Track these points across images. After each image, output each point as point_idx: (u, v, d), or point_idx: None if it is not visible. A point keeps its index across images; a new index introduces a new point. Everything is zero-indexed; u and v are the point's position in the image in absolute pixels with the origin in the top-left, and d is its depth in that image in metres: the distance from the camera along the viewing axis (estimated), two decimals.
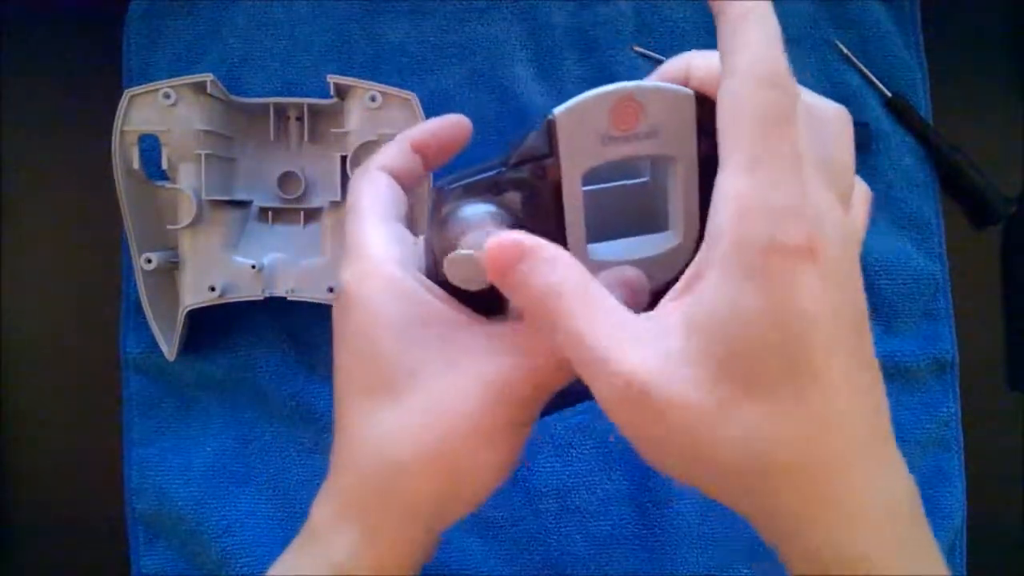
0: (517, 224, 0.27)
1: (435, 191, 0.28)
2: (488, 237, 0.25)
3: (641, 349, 0.23)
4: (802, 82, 0.50)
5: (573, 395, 0.29)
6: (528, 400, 0.27)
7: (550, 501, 0.48)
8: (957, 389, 0.50)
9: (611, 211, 0.30)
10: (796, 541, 0.23)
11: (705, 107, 0.26)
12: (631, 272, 0.28)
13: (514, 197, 0.27)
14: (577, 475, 0.49)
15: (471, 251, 0.26)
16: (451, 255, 0.26)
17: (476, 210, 0.27)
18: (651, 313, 0.25)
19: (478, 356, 0.27)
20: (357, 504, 0.27)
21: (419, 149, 0.33)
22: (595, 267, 0.27)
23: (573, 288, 0.24)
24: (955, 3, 0.52)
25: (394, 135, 0.44)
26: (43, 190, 0.51)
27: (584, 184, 0.28)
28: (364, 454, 0.27)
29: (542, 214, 0.27)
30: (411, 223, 0.33)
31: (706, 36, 0.51)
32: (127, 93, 0.44)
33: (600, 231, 0.29)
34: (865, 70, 0.51)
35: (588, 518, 0.48)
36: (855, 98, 0.51)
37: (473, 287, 0.27)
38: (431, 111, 0.45)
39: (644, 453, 0.25)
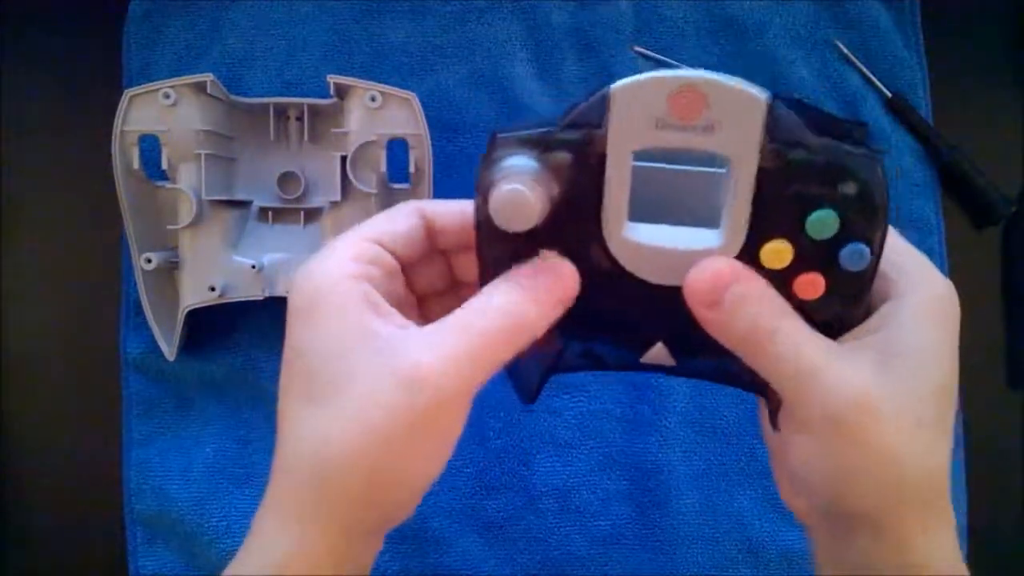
0: (560, 185, 0.27)
1: (491, 136, 0.27)
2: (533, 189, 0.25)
3: (858, 371, 0.25)
4: (803, 82, 0.50)
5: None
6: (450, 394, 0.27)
7: (550, 501, 0.48)
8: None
9: (664, 193, 0.29)
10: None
11: (775, 114, 0.26)
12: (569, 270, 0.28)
13: (563, 158, 0.26)
14: (577, 475, 0.49)
15: (518, 186, 0.25)
16: (497, 190, 0.25)
17: (520, 162, 0.26)
18: (843, 343, 0.27)
19: (406, 356, 0.26)
20: (293, 505, 0.27)
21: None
22: (629, 246, 0.27)
23: (781, 309, 0.26)
24: (955, 3, 0.52)
25: (394, 135, 0.44)
26: (43, 190, 0.51)
27: (645, 159, 0.27)
28: (298, 456, 0.27)
29: (586, 181, 0.27)
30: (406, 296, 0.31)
31: (706, 36, 0.51)
32: (127, 93, 0.44)
33: (647, 210, 0.28)
34: (865, 70, 0.51)
35: (588, 518, 0.48)
36: (855, 98, 0.51)
37: (515, 227, 0.26)
38: (431, 111, 0.45)
39: (820, 479, 0.27)
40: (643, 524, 0.48)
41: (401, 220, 0.30)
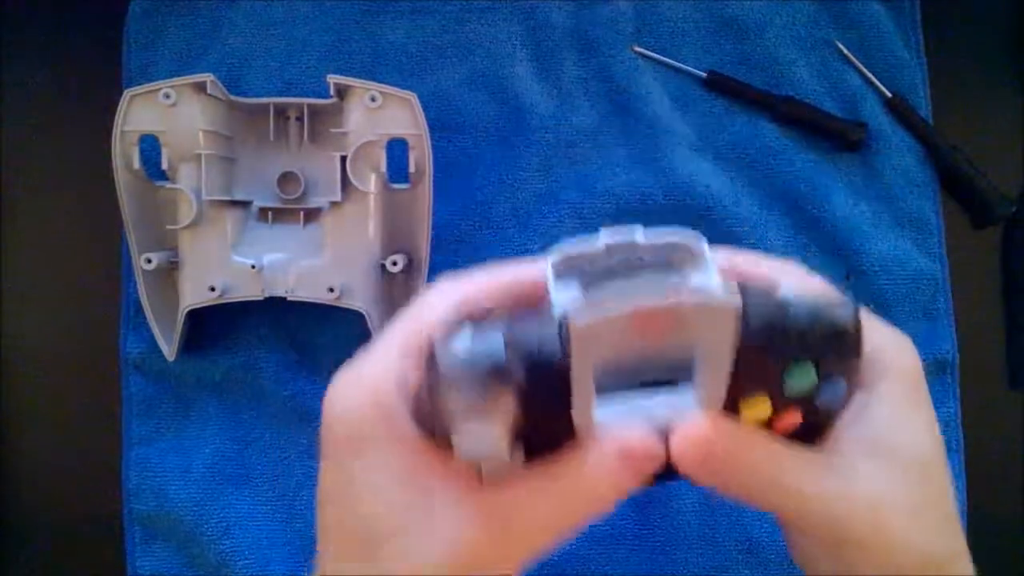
0: (519, 383, 0.24)
1: (438, 366, 0.24)
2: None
3: (852, 483, 0.26)
4: (803, 82, 0.50)
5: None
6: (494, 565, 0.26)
7: None
8: (957, 389, 0.50)
9: (632, 361, 0.27)
10: None
11: (748, 306, 0.24)
12: (638, 440, 0.26)
13: (519, 381, 0.24)
14: None
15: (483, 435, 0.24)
16: (461, 434, 0.24)
17: (478, 362, 0.23)
18: (824, 449, 0.27)
19: (453, 521, 0.26)
20: None
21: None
22: (603, 426, 0.26)
23: (771, 453, 0.26)
24: (955, 3, 0.52)
25: (394, 135, 0.44)
26: (43, 190, 0.51)
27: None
28: None
29: (549, 391, 0.25)
30: None
31: (706, 36, 0.51)
32: (127, 93, 0.44)
33: (616, 377, 0.26)
34: (865, 70, 0.51)
35: None
36: (855, 98, 0.51)
37: (485, 462, 0.25)
38: (431, 111, 0.45)
39: (829, 569, 0.28)
40: (643, 524, 0.48)
41: (440, 306, 0.28)
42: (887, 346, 0.29)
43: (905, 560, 0.26)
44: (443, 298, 0.28)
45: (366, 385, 0.27)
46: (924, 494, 0.27)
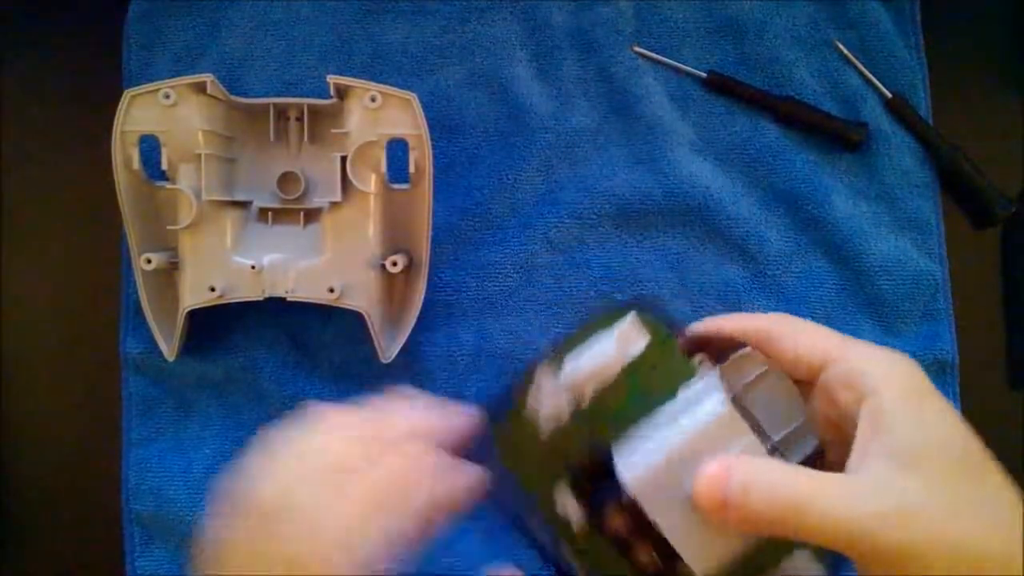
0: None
1: None
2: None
3: (884, 497, 0.26)
4: (803, 82, 0.50)
5: None
6: None
7: None
8: (957, 389, 0.50)
9: None
10: None
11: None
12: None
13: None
14: None
15: None
16: None
17: None
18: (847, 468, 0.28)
19: None
20: None
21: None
22: None
23: (788, 477, 0.27)
24: (955, 3, 0.52)
25: (394, 135, 0.44)
26: (43, 190, 0.51)
27: None
28: None
29: None
30: None
31: (706, 36, 0.51)
32: (127, 93, 0.44)
33: None
34: (865, 70, 0.51)
35: None
36: (855, 98, 0.51)
37: None
38: (431, 111, 0.45)
39: None
40: None
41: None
42: (879, 360, 0.29)
43: (962, 564, 0.25)
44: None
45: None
46: (956, 492, 0.26)
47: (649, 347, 0.32)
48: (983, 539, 0.26)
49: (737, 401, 0.31)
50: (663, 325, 0.32)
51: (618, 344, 0.31)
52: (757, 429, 0.30)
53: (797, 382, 0.31)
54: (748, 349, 0.31)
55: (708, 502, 0.27)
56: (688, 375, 0.31)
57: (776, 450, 0.32)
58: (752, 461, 0.27)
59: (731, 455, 0.28)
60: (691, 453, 0.28)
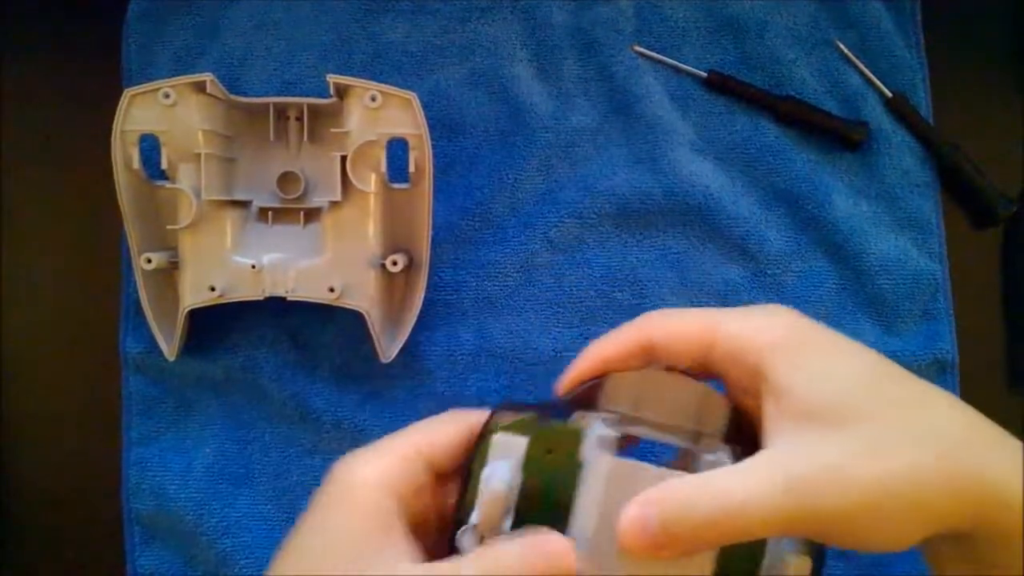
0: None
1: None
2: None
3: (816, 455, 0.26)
4: (803, 81, 0.50)
5: None
6: None
7: None
8: (957, 389, 0.50)
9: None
10: None
11: None
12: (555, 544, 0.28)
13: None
14: None
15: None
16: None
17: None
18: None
19: None
20: None
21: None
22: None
23: (707, 487, 0.26)
24: (955, 3, 0.52)
25: (394, 135, 0.44)
26: (43, 190, 0.51)
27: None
28: None
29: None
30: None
31: (706, 36, 0.51)
32: (127, 93, 0.44)
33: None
34: (865, 70, 0.51)
35: None
36: (855, 98, 0.51)
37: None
38: (431, 111, 0.45)
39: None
40: None
41: (442, 429, 0.32)
42: (754, 327, 0.29)
43: (902, 498, 0.24)
44: (449, 423, 0.32)
45: (373, 472, 0.30)
46: (871, 429, 0.26)
47: (530, 443, 0.30)
48: (913, 465, 0.25)
49: (627, 421, 0.31)
50: (529, 413, 0.32)
51: (502, 464, 0.30)
52: (665, 428, 0.31)
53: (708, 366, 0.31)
54: (612, 374, 0.32)
55: (641, 551, 0.26)
56: (577, 441, 0.30)
57: (689, 452, 0.32)
58: (657, 492, 0.26)
59: (637, 498, 0.27)
60: (613, 514, 0.27)
